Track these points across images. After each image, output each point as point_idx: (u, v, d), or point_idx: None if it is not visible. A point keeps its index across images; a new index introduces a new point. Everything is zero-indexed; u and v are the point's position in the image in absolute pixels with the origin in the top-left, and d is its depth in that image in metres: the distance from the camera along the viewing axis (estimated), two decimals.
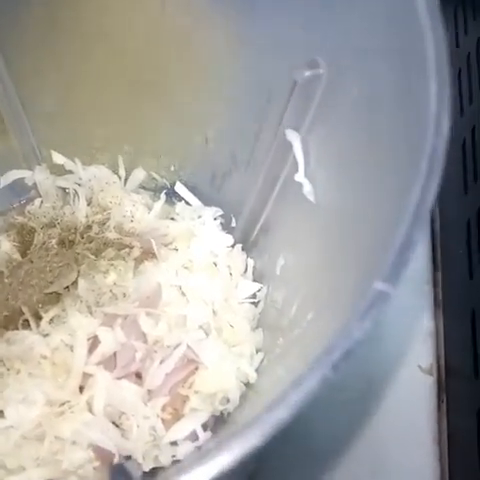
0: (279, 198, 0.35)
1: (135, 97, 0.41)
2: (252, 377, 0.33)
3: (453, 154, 0.49)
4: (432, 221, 0.52)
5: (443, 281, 0.49)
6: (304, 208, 0.30)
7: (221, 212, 0.41)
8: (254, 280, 0.40)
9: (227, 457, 0.14)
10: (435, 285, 0.49)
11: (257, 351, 0.36)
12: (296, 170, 0.30)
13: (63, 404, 0.33)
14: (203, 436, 0.32)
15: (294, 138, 0.29)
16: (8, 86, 0.38)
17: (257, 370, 0.34)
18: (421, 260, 0.50)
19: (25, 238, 0.43)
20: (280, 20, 0.26)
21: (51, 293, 0.36)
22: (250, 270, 0.41)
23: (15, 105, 0.40)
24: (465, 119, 0.49)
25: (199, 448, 0.31)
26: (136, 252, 0.40)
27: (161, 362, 0.34)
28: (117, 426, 0.33)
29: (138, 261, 0.39)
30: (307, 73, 0.26)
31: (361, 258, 0.21)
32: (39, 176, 0.44)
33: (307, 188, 0.29)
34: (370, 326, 0.14)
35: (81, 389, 0.34)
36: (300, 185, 0.30)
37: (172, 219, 0.44)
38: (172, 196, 0.45)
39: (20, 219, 0.44)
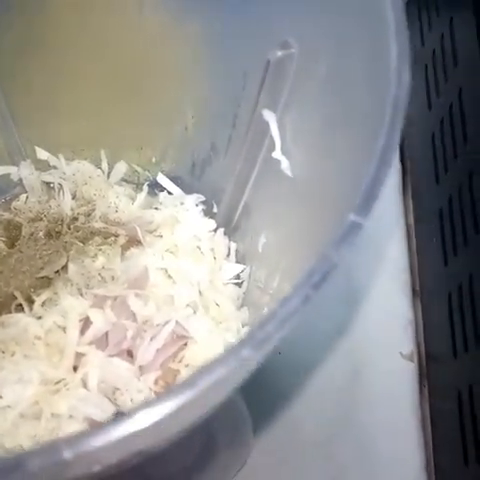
0: (258, 180, 0.37)
1: (115, 92, 0.42)
2: None
3: (424, 147, 0.52)
4: (406, 214, 0.54)
5: (419, 269, 0.51)
6: (283, 184, 0.32)
7: (203, 198, 0.43)
8: (237, 262, 0.42)
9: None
10: (412, 273, 0.51)
11: (243, 325, 0.37)
12: (273, 149, 0.32)
13: (58, 382, 0.34)
14: None
15: (270, 118, 0.31)
16: None
17: None
18: (398, 250, 0.52)
19: (12, 233, 0.44)
20: (253, 5, 0.28)
21: (42, 278, 0.37)
22: (233, 253, 0.42)
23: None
24: (433, 112, 0.52)
25: None
26: (122, 240, 0.41)
27: (151, 339, 0.35)
28: (111, 401, 0.34)
29: (124, 248, 0.41)
30: (279, 53, 0.28)
31: (337, 216, 0.23)
32: (24, 171, 0.45)
33: (284, 164, 0.31)
34: (346, 252, 0.16)
35: (75, 369, 0.35)
36: (278, 162, 0.32)
37: (156, 209, 0.45)
38: (155, 188, 0.47)
39: (6, 215, 0.45)
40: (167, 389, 0.34)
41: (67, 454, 0.11)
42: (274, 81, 0.29)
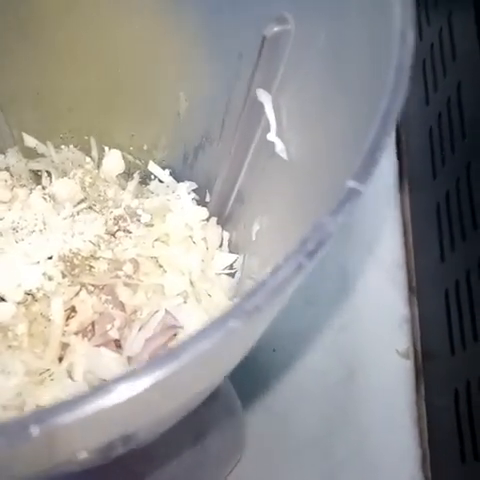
0: (252, 166, 0.35)
1: (104, 76, 0.41)
2: None
3: (421, 141, 0.51)
4: (403, 210, 0.54)
5: (416, 266, 0.50)
6: (277, 168, 0.31)
7: (195, 186, 0.42)
8: (230, 252, 0.41)
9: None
10: (408, 271, 0.50)
11: None
12: (268, 131, 0.31)
13: (42, 373, 0.33)
14: None
15: (265, 98, 0.30)
16: None
17: None
18: (394, 247, 0.51)
19: None
20: None
21: None
22: (225, 243, 0.41)
23: None
24: (431, 107, 0.51)
25: None
26: (111, 227, 0.40)
27: (140, 329, 0.34)
28: None
29: (113, 236, 0.40)
30: (276, 28, 0.27)
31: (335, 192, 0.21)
32: (11, 159, 0.44)
33: (279, 146, 0.30)
34: (343, 220, 0.15)
35: (60, 360, 0.34)
36: (272, 145, 0.31)
37: (147, 198, 0.44)
38: (146, 177, 0.46)
39: None
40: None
41: (34, 430, 0.10)
42: (269, 59, 0.28)
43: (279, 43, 0.27)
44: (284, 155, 0.30)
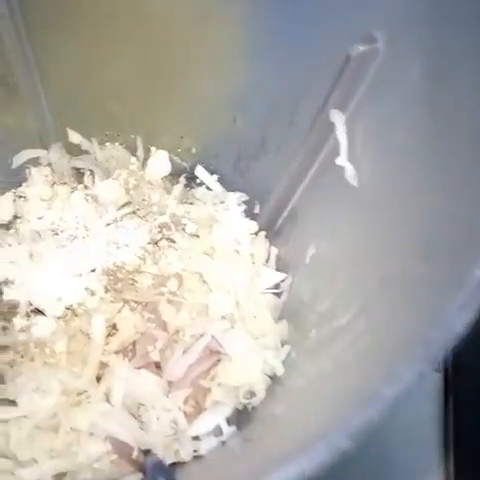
0: (312, 184, 0.33)
1: (154, 73, 0.39)
2: (279, 370, 0.32)
3: None
4: None
5: None
6: (344, 194, 0.29)
7: (246, 198, 0.39)
8: (277, 269, 0.38)
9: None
10: None
11: (283, 344, 0.34)
12: (336, 154, 0.28)
13: (80, 394, 0.31)
14: (227, 431, 0.30)
15: (338, 119, 0.27)
16: (29, 60, 0.36)
17: (284, 363, 0.32)
18: None
19: None
20: None
21: None
22: (273, 259, 0.39)
23: (34, 80, 0.38)
24: None
25: (223, 443, 0.30)
26: (155, 236, 0.38)
27: (183, 352, 0.32)
28: (135, 418, 0.31)
29: (155, 244, 0.38)
30: (362, 48, 0.24)
31: (415, 243, 0.19)
32: (54, 156, 0.42)
33: (349, 172, 0.27)
34: (471, 318, 0.13)
35: (98, 379, 0.32)
36: (341, 169, 0.28)
37: (191, 204, 0.42)
38: (192, 181, 0.44)
39: None
40: (197, 410, 0.31)
41: None
42: (350, 79, 0.25)
43: (363, 62, 0.24)
44: (354, 182, 0.27)
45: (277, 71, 0.31)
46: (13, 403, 0.31)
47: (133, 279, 0.34)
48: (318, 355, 0.28)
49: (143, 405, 0.31)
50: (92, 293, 0.32)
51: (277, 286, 0.38)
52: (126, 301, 0.33)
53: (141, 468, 0.30)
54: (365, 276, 0.25)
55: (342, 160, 0.28)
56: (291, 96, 0.30)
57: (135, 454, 0.30)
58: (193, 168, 0.43)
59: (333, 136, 0.29)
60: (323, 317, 0.30)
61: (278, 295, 0.38)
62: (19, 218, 0.41)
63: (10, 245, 0.35)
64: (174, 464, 0.31)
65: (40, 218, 0.40)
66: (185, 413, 0.31)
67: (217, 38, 0.34)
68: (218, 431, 0.30)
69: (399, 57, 0.23)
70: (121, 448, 0.30)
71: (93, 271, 0.33)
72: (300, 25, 0.26)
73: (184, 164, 0.43)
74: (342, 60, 0.25)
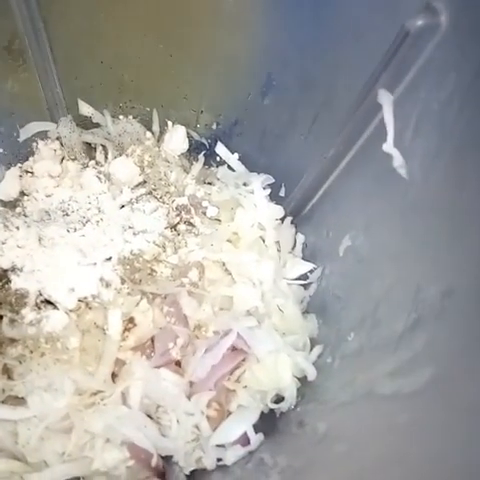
0: (350, 170, 0.30)
1: (175, 42, 0.35)
2: (311, 374, 0.29)
3: None
4: None
5: None
6: (391, 184, 0.25)
7: (272, 180, 0.36)
8: (304, 258, 0.36)
9: None
10: None
11: (312, 342, 0.31)
12: (379, 139, 0.25)
13: (94, 394, 0.29)
14: (255, 439, 0.28)
15: (386, 100, 0.24)
16: (37, 24, 0.33)
17: (316, 366, 0.30)
18: None
19: None
20: None
21: None
22: (299, 247, 0.36)
23: (42, 46, 0.34)
24: None
25: (251, 454, 0.28)
26: (173, 220, 0.35)
27: (206, 351, 0.30)
28: (152, 419, 0.29)
29: (173, 228, 0.35)
30: (420, 22, 0.21)
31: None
32: (64, 129, 0.39)
33: (398, 161, 0.24)
34: None
35: (113, 377, 0.30)
36: (387, 157, 0.25)
37: (209, 184, 0.39)
38: (210, 158, 0.40)
39: None
40: (220, 414, 0.29)
41: None
42: (404, 56, 0.22)
43: (421, 38, 0.21)
44: (403, 172, 0.24)
45: (315, 42, 0.27)
46: (22, 400, 0.29)
47: (152, 269, 0.31)
48: (364, 368, 0.25)
49: (161, 407, 0.29)
50: (107, 284, 0.30)
51: (304, 276, 0.35)
52: (144, 293, 0.30)
53: (161, 475, 0.28)
54: (418, 284, 0.22)
55: (389, 146, 0.24)
56: (329, 72, 0.27)
57: (154, 461, 0.28)
58: (213, 145, 0.40)
59: (377, 119, 0.26)
60: (363, 320, 0.27)
61: (305, 287, 0.35)
62: (26, 195, 0.39)
63: (18, 228, 0.32)
64: (195, 471, 0.29)
65: (48, 196, 0.38)
66: (208, 417, 0.29)
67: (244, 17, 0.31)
68: (245, 439, 0.28)
69: (463, 35, 0.19)
70: (139, 454, 0.28)
71: (108, 260, 0.30)
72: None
73: (203, 141, 0.40)
74: (396, 35, 0.21)
